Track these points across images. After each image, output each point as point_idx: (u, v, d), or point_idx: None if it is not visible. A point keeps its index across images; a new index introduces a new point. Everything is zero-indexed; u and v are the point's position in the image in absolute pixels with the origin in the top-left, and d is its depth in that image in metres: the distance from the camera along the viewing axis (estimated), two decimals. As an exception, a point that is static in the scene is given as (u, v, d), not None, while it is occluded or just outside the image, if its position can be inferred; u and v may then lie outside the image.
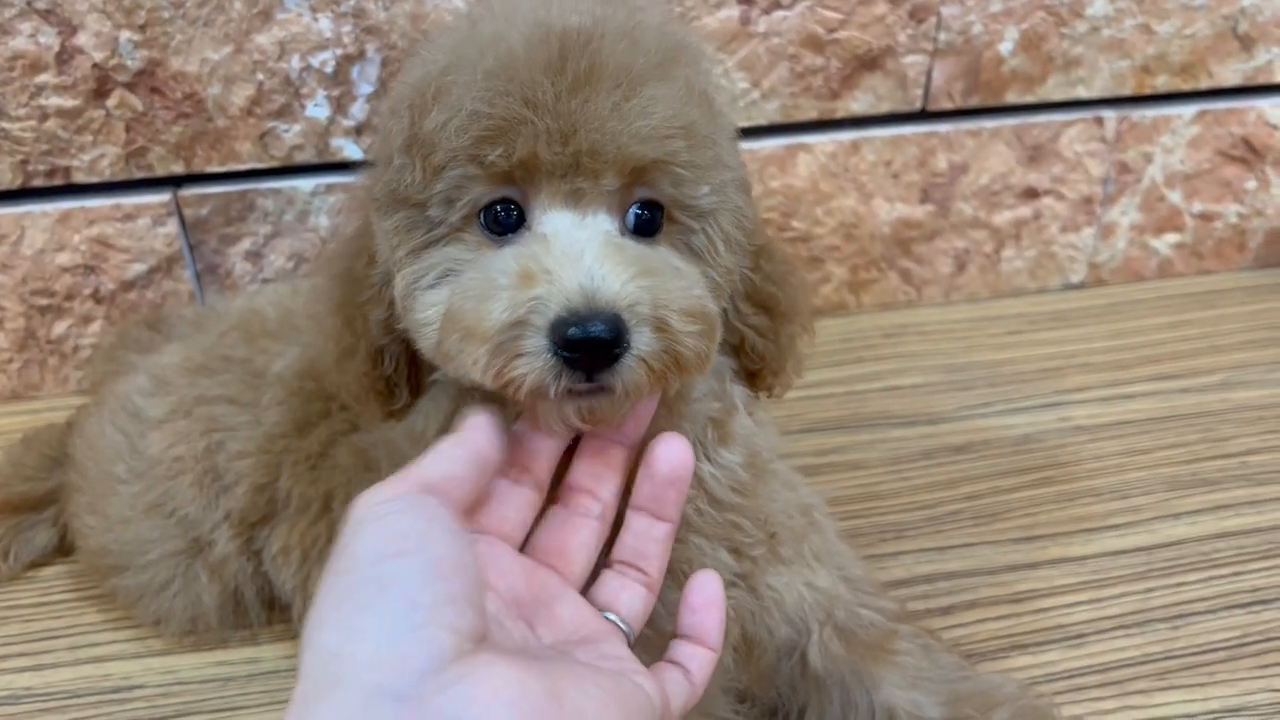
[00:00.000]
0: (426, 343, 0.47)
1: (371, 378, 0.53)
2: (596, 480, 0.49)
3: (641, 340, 0.43)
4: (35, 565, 0.79)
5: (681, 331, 0.44)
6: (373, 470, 0.63)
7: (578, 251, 0.44)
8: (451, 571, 0.38)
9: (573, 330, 0.41)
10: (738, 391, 0.57)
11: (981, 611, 0.73)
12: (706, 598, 0.49)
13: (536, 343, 0.42)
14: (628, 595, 0.48)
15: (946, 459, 0.86)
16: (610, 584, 0.49)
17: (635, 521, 0.49)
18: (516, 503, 0.47)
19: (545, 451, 0.49)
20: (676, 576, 0.52)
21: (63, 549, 0.80)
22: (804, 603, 0.60)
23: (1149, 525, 0.79)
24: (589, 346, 0.42)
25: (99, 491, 0.73)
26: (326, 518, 0.68)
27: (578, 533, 0.48)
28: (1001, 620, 0.72)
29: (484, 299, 0.44)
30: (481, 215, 0.47)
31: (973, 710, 0.58)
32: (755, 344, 0.54)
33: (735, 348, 0.55)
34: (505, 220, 0.47)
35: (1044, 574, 0.75)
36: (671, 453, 0.48)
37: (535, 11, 0.46)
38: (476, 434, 0.45)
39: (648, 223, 0.47)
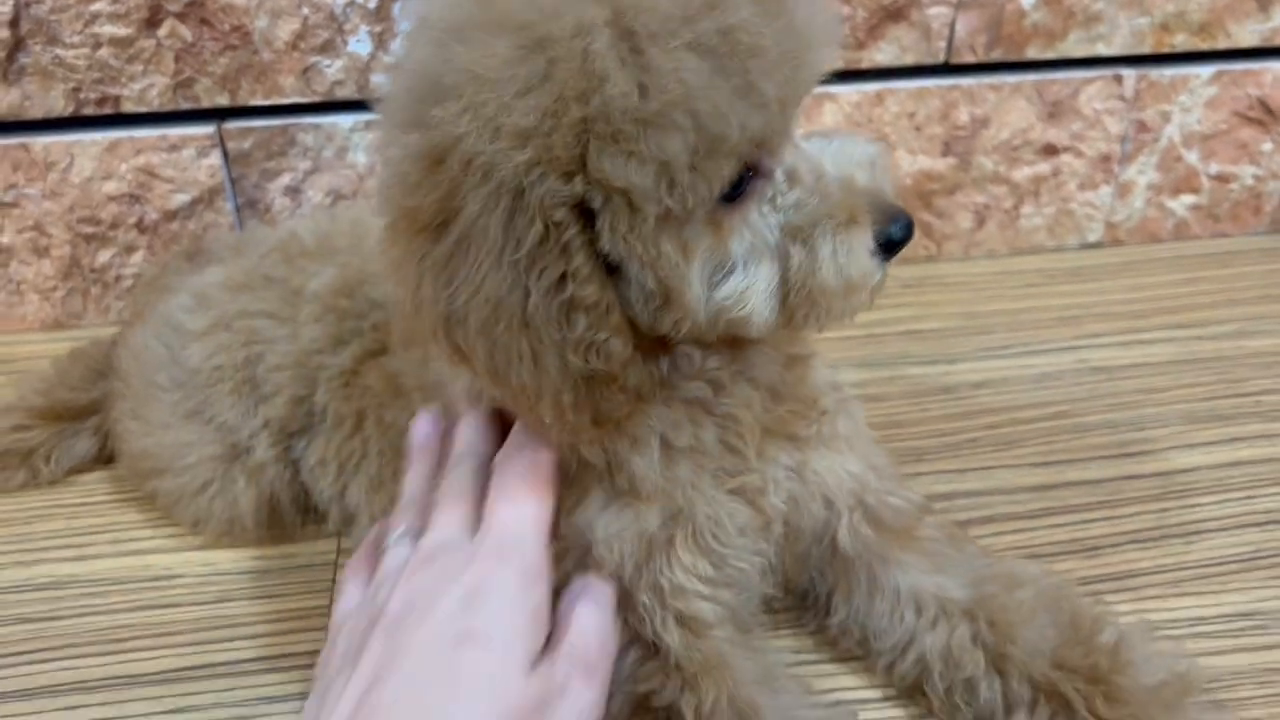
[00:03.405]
0: (740, 315, 0.50)
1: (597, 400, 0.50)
2: None
3: None
4: (76, 471, 0.82)
5: None
6: (402, 397, 0.66)
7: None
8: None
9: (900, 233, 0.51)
10: None
11: (998, 525, 0.75)
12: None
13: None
14: None
15: (965, 394, 0.88)
16: None
17: None
18: None
19: None
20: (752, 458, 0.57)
21: (102, 458, 0.82)
22: (841, 484, 0.63)
23: (1164, 454, 0.80)
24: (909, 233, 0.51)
25: (141, 398, 0.76)
26: (359, 434, 0.70)
27: None
28: (1018, 534, 0.74)
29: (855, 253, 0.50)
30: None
31: (997, 589, 0.60)
32: None
33: None
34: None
35: (1060, 494, 0.77)
36: None
37: None
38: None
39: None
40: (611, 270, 0.48)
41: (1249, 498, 0.76)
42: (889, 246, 0.51)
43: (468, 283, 0.46)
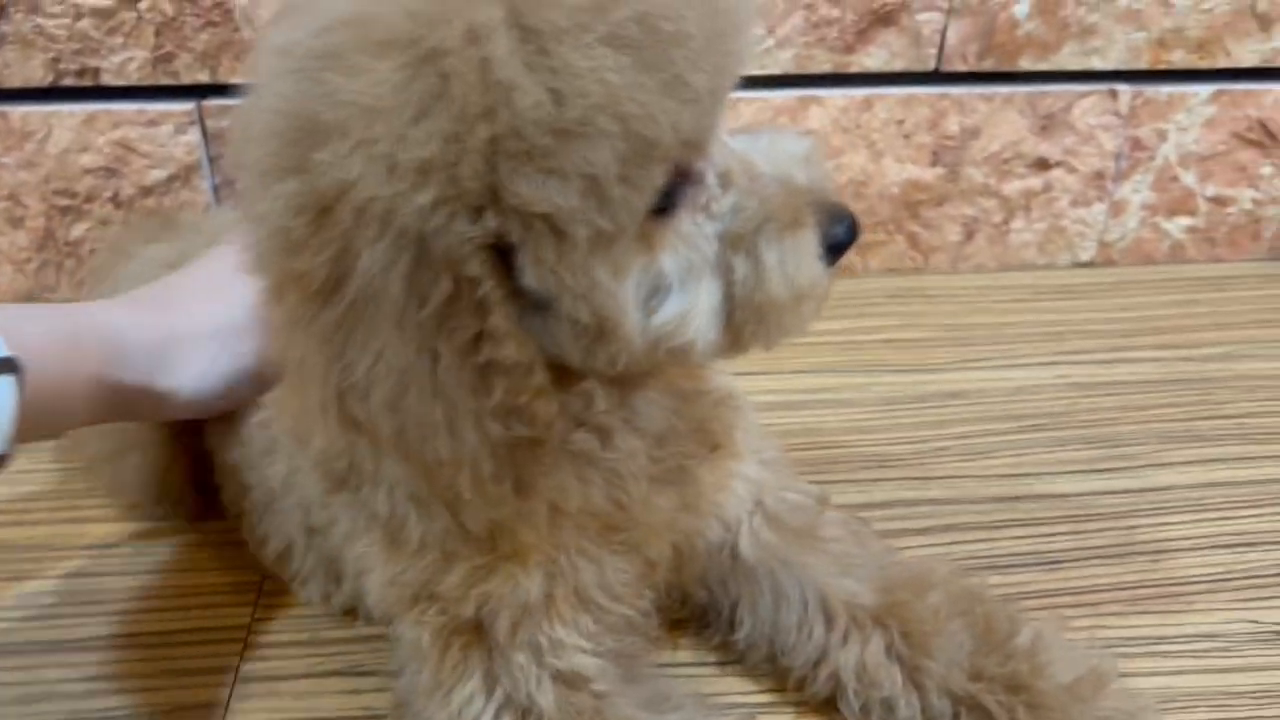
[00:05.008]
0: (682, 342, 0.45)
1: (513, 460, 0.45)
2: None
3: None
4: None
5: None
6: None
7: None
8: None
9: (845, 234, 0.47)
10: None
11: (958, 534, 0.72)
12: None
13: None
14: None
15: (939, 403, 0.86)
16: None
17: None
18: None
19: None
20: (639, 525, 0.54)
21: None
22: (739, 500, 0.60)
23: (1138, 472, 0.78)
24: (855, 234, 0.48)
25: None
26: None
27: None
28: (978, 544, 0.71)
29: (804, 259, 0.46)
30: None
31: (908, 595, 0.57)
32: None
33: None
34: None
35: (1026, 507, 0.75)
36: None
37: None
38: None
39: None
40: (537, 308, 0.43)
41: (1223, 519, 0.73)
42: (834, 248, 0.47)
43: (366, 352, 0.40)
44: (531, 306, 0.43)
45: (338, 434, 0.44)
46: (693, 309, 0.45)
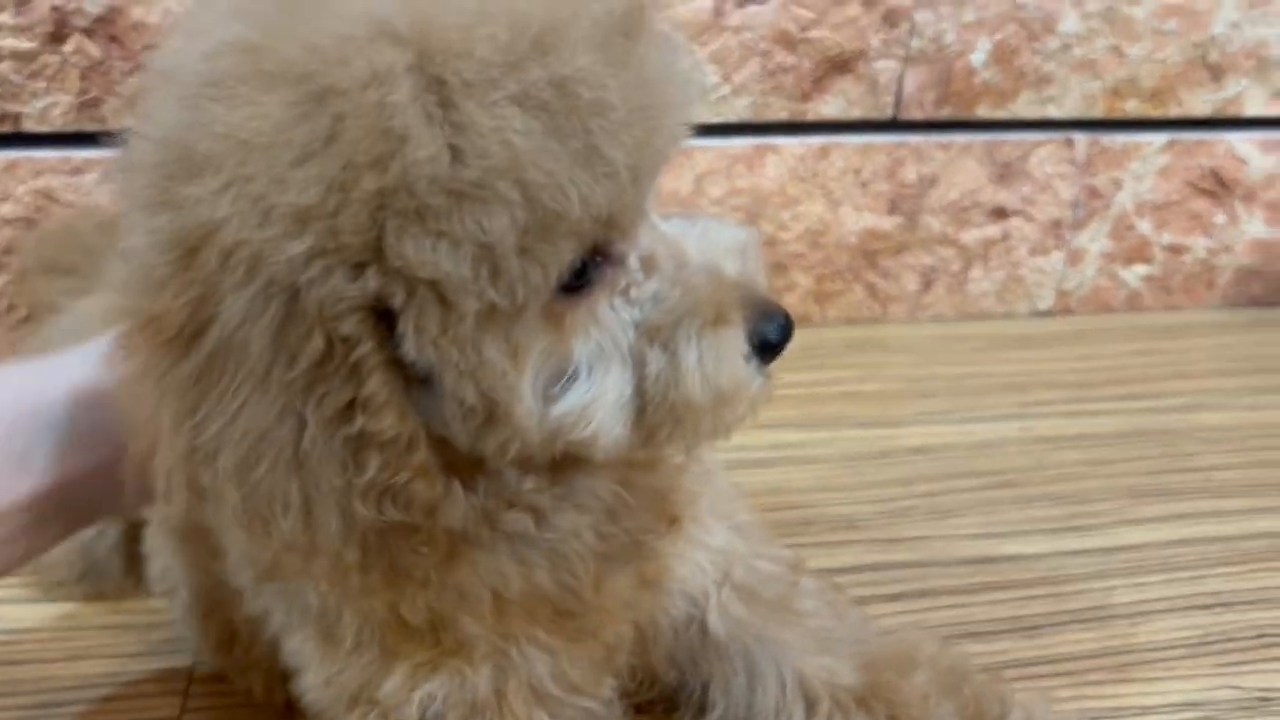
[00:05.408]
0: (584, 435, 0.41)
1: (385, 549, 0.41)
2: None
3: None
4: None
5: None
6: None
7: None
8: None
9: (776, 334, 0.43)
10: None
11: (932, 600, 0.69)
12: None
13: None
14: None
15: (903, 458, 0.83)
16: None
17: None
18: None
19: None
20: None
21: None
22: (705, 572, 0.56)
23: (1110, 529, 0.76)
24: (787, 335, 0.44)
25: None
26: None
27: None
28: (953, 609, 0.69)
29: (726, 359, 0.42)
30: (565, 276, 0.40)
31: (892, 674, 0.54)
32: None
33: None
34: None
35: (999, 569, 0.72)
36: None
37: None
38: None
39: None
40: (425, 381, 0.39)
41: (1197, 578, 0.71)
42: (765, 349, 0.43)
43: (221, 410, 0.36)
44: (418, 378, 0.39)
45: (186, 503, 0.39)
46: (597, 400, 0.41)
